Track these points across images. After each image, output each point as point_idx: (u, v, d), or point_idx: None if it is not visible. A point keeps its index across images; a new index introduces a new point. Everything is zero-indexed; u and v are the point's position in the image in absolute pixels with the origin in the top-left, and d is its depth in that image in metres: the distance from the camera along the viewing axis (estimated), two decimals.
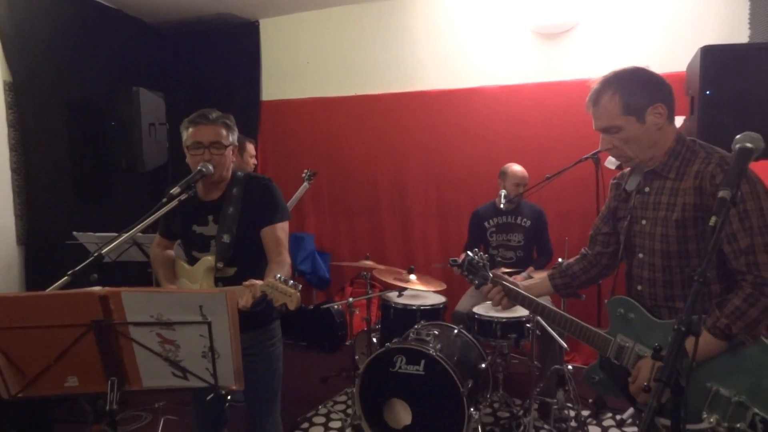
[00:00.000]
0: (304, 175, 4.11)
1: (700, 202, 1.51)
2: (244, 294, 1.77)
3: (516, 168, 3.71)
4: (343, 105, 4.96)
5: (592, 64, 4.07)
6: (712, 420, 1.43)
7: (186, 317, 1.37)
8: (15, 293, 2.98)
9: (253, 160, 3.57)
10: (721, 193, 1.16)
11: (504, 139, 4.37)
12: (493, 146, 4.40)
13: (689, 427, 1.45)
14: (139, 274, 3.58)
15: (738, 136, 1.28)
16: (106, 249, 1.73)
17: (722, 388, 1.44)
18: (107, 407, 1.42)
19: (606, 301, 1.75)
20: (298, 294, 1.70)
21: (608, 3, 4.05)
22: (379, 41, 4.82)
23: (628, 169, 1.80)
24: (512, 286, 1.90)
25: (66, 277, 1.57)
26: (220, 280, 2.12)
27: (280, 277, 1.76)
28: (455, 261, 2.14)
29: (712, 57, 2.95)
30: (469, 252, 2.08)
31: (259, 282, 1.81)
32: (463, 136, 4.53)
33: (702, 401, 1.46)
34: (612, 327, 1.70)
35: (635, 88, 1.58)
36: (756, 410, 1.38)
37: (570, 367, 3.28)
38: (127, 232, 1.83)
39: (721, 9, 3.75)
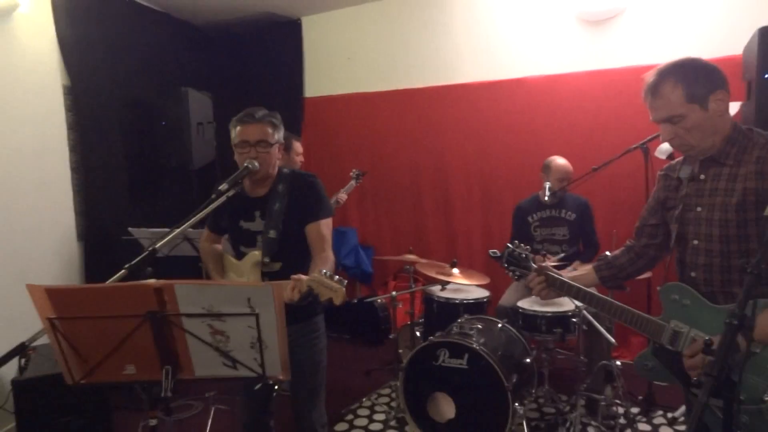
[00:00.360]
0: (352, 174, 4.13)
1: (762, 187, 1.52)
2: (291, 288, 1.82)
3: (560, 162, 3.64)
4: (385, 99, 4.98)
5: (640, 50, 3.94)
6: None
7: (235, 309, 1.42)
8: (78, 285, 3.15)
9: (300, 158, 3.63)
10: None
11: (548, 130, 4.29)
12: (537, 138, 4.32)
13: (750, 407, 1.44)
14: (190, 268, 3.71)
15: None
16: (160, 244, 1.81)
17: None
18: (162, 395, 1.49)
19: (659, 287, 1.74)
20: (344, 289, 1.73)
21: None
22: (419, 34, 4.81)
23: (679, 158, 1.79)
24: (557, 276, 1.89)
25: (123, 271, 1.65)
26: (267, 275, 2.18)
27: (325, 273, 1.79)
28: (495, 253, 2.14)
29: None
30: (509, 244, 2.07)
31: (305, 277, 1.85)
32: (506, 129, 4.47)
33: (766, 384, 1.45)
34: (665, 313, 1.71)
35: (697, 75, 1.58)
36: None
37: (618, 363, 3.20)
38: (178, 228, 1.91)
39: None
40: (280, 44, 5.42)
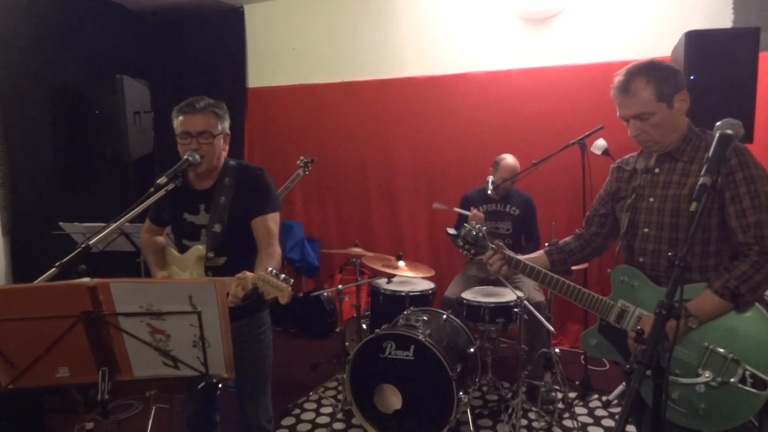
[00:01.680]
0: (299, 162, 4.01)
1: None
2: (236, 286, 1.78)
3: (509, 161, 3.71)
4: (330, 91, 4.94)
5: (578, 49, 4.08)
6: (707, 374, 1.57)
7: (176, 307, 1.38)
8: (6, 285, 2.96)
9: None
10: (701, 180, 1.20)
11: (491, 124, 4.38)
12: (481, 132, 4.41)
13: (686, 380, 1.60)
14: (127, 263, 3.57)
15: (718, 123, 1.34)
16: (94, 240, 1.73)
17: (718, 347, 1.57)
18: (98, 397, 1.43)
19: (609, 270, 1.87)
20: (290, 288, 1.70)
21: None
22: (366, 27, 4.79)
23: (633, 153, 1.92)
24: (513, 255, 1.97)
25: (54, 269, 1.57)
26: (211, 270, 2.13)
27: (272, 271, 1.76)
28: (453, 231, 2.16)
29: (696, 42, 2.98)
30: (466, 224, 2.12)
31: (250, 274, 1.81)
32: (451, 122, 4.53)
33: (699, 359, 1.60)
34: (614, 293, 1.83)
35: (665, 75, 1.70)
36: (747, 366, 1.53)
37: (557, 350, 3.34)
38: (114, 222, 1.83)
39: None
40: (221, 32, 5.26)
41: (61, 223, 3.19)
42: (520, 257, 1.97)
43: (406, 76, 4.67)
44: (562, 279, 1.89)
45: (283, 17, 5.09)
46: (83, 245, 1.67)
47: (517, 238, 3.79)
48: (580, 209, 3.67)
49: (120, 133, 4.14)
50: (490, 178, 3.64)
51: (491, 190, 3.59)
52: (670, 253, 1.14)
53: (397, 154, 4.76)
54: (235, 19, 5.22)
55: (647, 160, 1.84)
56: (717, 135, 1.37)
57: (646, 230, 1.81)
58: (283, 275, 1.71)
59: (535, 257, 2.08)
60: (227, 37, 5.25)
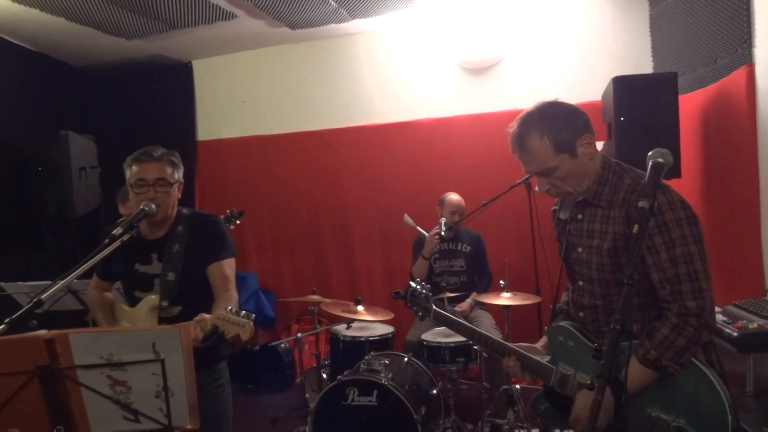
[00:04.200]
0: (223, 216, 3.88)
1: (628, 231, 1.51)
2: (194, 329, 1.75)
3: (453, 197, 3.86)
4: (282, 142, 5.00)
5: (516, 96, 4.33)
6: None
7: (138, 356, 1.34)
8: None
9: None
10: (640, 203, 1.26)
11: (441, 168, 4.54)
12: (431, 176, 4.55)
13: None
14: (74, 322, 3.39)
15: (650, 153, 1.40)
16: (45, 294, 1.67)
17: (662, 414, 1.46)
18: None
19: (546, 328, 1.78)
20: (251, 323, 1.70)
21: (527, 39, 4.36)
22: (315, 79, 4.93)
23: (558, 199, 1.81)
24: (448, 316, 1.96)
25: (3, 326, 1.50)
26: (165, 320, 2.08)
27: (230, 309, 1.75)
28: (398, 293, 2.18)
29: (623, 86, 3.23)
30: (411, 282, 2.12)
31: (208, 316, 1.80)
32: (402, 168, 4.66)
33: (645, 427, 1.48)
34: (553, 355, 1.72)
35: (561, 123, 1.56)
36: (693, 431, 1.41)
37: (518, 387, 3.37)
38: (66, 277, 1.77)
39: (627, 42, 4.12)
40: (169, 87, 5.29)
41: (1, 284, 3.03)
42: (534, 357, 1.76)
43: (356, 124, 4.80)
44: (498, 341, 1.83)
45: (232, 71, 5.18)
46: (35, 300, 1.62)
47: (471, 275, 3.88)
48: (530, 247, 3.81)
49: (64, 190, 4.03)
50: (443, 220, 3.74)
51: (445, 231, 3.68)
52: (625, 276, 1.11)
53: (350, 201, 4.83)
54: (184, 73, 5.27)
55: (569, 208, 1.73)
56: (651, 164, 1.37)
57: (580, 283, 1.70)
58: (244, 311, 1.70)
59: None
60: (175, 91, 5.27)
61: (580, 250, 1.67)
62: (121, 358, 1.34)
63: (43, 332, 1.29)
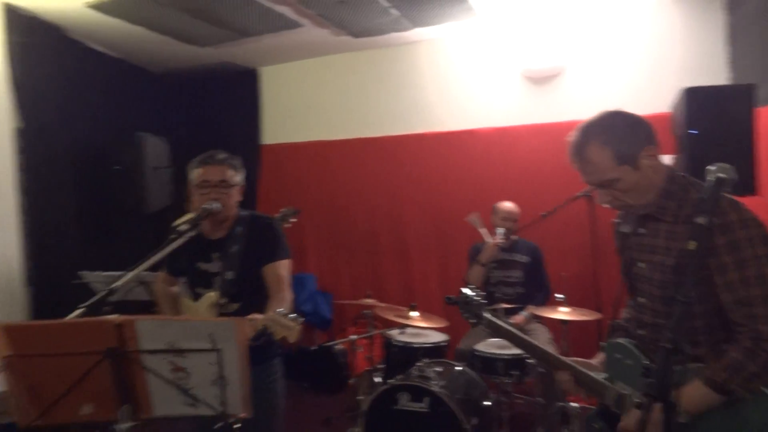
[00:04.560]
0: (278, 215, 3.98)
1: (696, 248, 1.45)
2: (246, 327, 1.82)
3: (505, 204, 3.81)
4: (343, 148, 5.10)
5: (580, 106, 4.22)
6: None
7: (197, 345, 1.42)
8: (37, 321, 2.99)
9: None
10: (698, 219, 1.19)
11: (499, 178, 4.49)
12: (489, 185, 4.50)
13: None
14: (144, 313, 3.59)
15: (711, 167, 1.30)
16: (118, 283, 1.79)
17: None
18: None
19: (603, 343, 1.71)
20: (299, 327, 1.75)
21: (593, 48, 4.24)
22: (377, 86, 5.01)
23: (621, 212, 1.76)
24: (502, 325, 1.91)
25: (81, 310, 1.63)
26: (224, 316, 2.17)
27: (281, 311, 1.81)
28: (451, 299, 2.17)
29: (695, 97, 3.10)
30: (463, 289, 2.08)
31: (260, 316, 1.87)
32: (460, 176, 4.65)
33: None
34: (610, 372, 1.66)
35: (623, 134, 1.51)
36: None
37: (575, 405, 3.27)
38: (135, 269, 1.89)
39: (700, 52, 3.93)
40: (237, 92, 5.53)
41: (81, 272, 3.26)
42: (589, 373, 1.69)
43: (417, 132, 4.83)
44: (554, 355, 1.77)
45: (297, 78, 5.34)
46: (109, 288, 1.74)
47: (528, 287, 3.80)
48: (589, 261, 3.70)
49: (139, 187, 4.29)
50: (501, 230, 3.70)
51: (502, 239, 3.63)
52: (677, 296, 1.09)
53: (408, 207, 4.86)
54: (251, 79, 5.49)
55: (631, 222, 1.67)
56: (713, 179, 1.30)
57: (641, 300, 1.63)
58: (293, 314, 1.76)
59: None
60: (243, 97, 5.50)
61: (641, 265, 1.61)
62: (182, 345, 1.42)
63: (113, 317, 1.40)
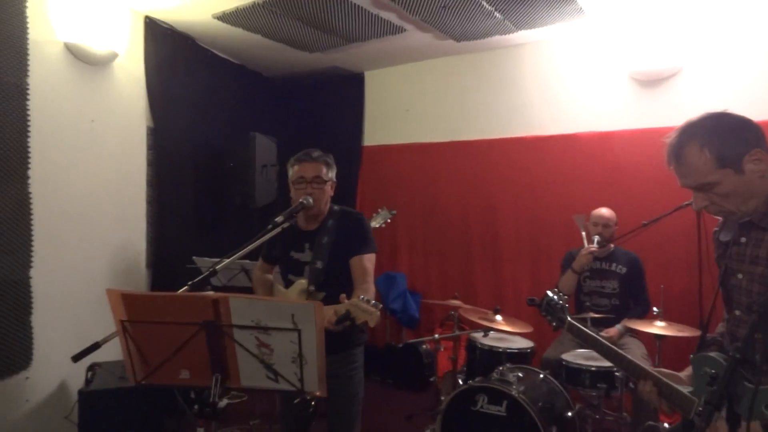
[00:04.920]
0: (374, 214, 4.11)
1: None
2: (331, 312, 1.95)
3: (601, 210, 3.67)
4: (440, 150, 5.17)
5: (693, 109, 3.88)
6: None
7: (280, 323, 1.56)
8: (148, 292, 3.40)
9: None
10: None
11: (599, 185, 4.31)
12: (589, 192, 4.34)
13: None
14: None
15: None
16: (219, 266, 2.01)
17: None
18: (211, 399, 1.63)
19: (691, 356, 1.63)
20: (378, 312, 1.85)
21: (708, 49, 3.95)
22: (477, 89, 5.01)
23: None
24: (582, 329, 1.89)
25: (186, 287, 1.85)
26: None
27: (363, 297, 1.92)
28: (534, 301, 2.16)
29: None
30: (549, 291, 2.09)
31: (345, 301, 1.99)
32: (557, 181, 4.53)
33: None
34: (697, 387, 1.58)
35: (726, 136, 1.45)
36: None
37: (666, 425, 3.09)
38: (237, 253, 2.10)
39: None
40: (343, 95, 5.78)
41: (194, 258, 3.62)
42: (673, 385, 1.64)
43: (514, 136, 4.77)
44: (637, 364, 1.72)
45: (399, 81, 5.49)
46: (210, 269, 1.95)
47: (624, 299, 3.63)
48: (695, 276, 3.46)
49: (249, 183, 4.64)
50: (597, 238, 3.57)
51: (597, 247, 3.51)
52: (753, 301, 1.05)
53: (502, 211, 4.81)
54: (356, 83, 5.72)
55: (732, 230, 1.60)
56: None
57: (737, 312, 1.56)
58: (373, 300, 1.85)
59: None
60: (348, 100, 5.74)
61: (740, 276, 1.54)
62: (267, 323, 1.57)
63: (210, 293, 1.58)
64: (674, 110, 4.05)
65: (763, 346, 1.41)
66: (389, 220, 4.16)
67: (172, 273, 4.24)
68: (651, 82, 4.19)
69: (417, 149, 5.32)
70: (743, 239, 1.55)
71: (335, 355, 2.31)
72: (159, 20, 4.27)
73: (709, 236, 3.31)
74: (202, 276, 1.90)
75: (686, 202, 3.30)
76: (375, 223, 4.10)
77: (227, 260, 2.03)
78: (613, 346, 1.86)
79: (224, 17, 4.16)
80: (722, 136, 1.45)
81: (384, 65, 5.50)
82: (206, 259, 3.61)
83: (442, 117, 5.22)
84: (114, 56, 3.85)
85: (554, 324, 2.03)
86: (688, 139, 1.48)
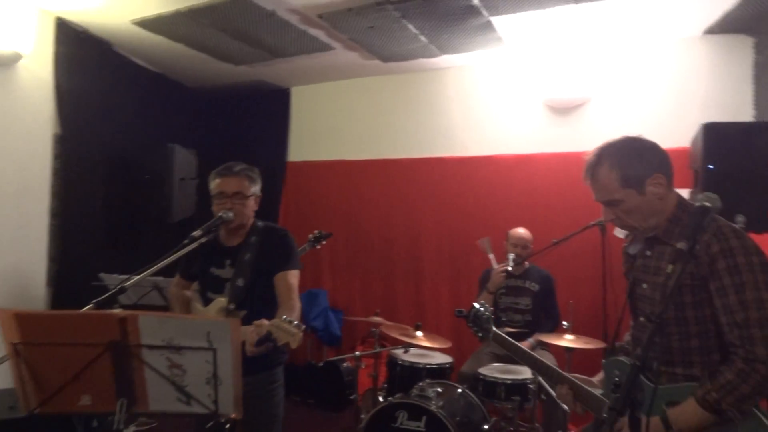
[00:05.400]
0: (310, 236, 4.10)
1: (696, 271, 1.50)
2: (252, 332, 1.89)
3: (518, 230, 3.84)
4: (365, 168, 5.21)
5: (602, 136, 4.17)
6: None
7: (194, 342, 1.49)
8: (47, 311, 3.13)
9: None
10: (678, 245, 1.26)
11: (517, 205, 4.51)
12: (507, 211, 4.52)
13: None
14: None
15: (698, 196, 1.40)
16: (128, 283, 1.89)
17: None
18: (115, 427, 1.53)
19: (603, 361, 1.76)
20: (301, 333, 1.81)
21: (617, 80, 4.27)
22: (403, 110, 5.12)
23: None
24: (508, 340, 1.99)
25: (90, 305, 1.73)
26: None
27: (285, 318, 1.88)
28: (461, 312, 2.27)
29: (713, 133, 3.10)
30: (475, 303, 2.20)
31: (267, 322, 1.94)
32: (479, 201, 4.69)
33: None
34: (608, 389, 1.69)
35: (632, 160, 1.59)
36: None
37: None
38: (148, 269, 1.99)
39: (727, 89, 3.92)
40: (268, 110, 5.71)
41: (100, 275, 3.41)
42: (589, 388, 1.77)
43: (437, 156, 4.90)
44: (552, 367, 1.88)
45: (326, 98, 5.50)
46: (118, 287, 1.84)
47: (536, 314, 3.80)
48: (599, 291, 3.68)
49: (165, 197, 4.45)
50: (511, 256, 3.72)
51: (512, 266, 3.65)
52: (646, 313, 1.17)
53: (424, 229, 4.91)
54: (282, 98, 5.67)
55: (640, 244, 1.74)
56: (696, 206, 1.39)
57: (641, 319, 1.70)
58: (296, 321, 1.82)
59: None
60: (273, 115, 5.68)
61: (645, 286, 1.68)
62: (180, 342, 1.50)
63: (117, 311, 1.48)
64: (584, 137, 4.32)
65: (661, 351, 1.58)
66: (323, 242, 4.14)
67: (76, 291, 3.96)
68: (563, 110, 4.47)
69: (342, 166, 5.33)
70: (648, 252, 1.69)
71: (255, 375, 2.25)
72: (72, 22, 4.04)
73: (612, 254, 3.55)
74: (108, 294, 1.78)
75: (592, 222, 3.54)
76: (309, 246, 4.07)
77: (137, 277, 1.92)
78: (533, 354, 1.99)
79: (144, 24, 4.00)
80: (629, 159, 1.60)
81: (311, 81, 5.49)
82: (115, 276, 3.41)
83: (368, 135, 5.28)
84: (18, 57, 3.59)
85: (480, 334, 2.15)
86: (601, 159, 1.64)
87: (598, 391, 1.74)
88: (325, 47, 4.41)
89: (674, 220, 1.61)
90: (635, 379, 1.07)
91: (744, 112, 3.82)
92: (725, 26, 3.78)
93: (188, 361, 1.52)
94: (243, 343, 1.88)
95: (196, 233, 2.16)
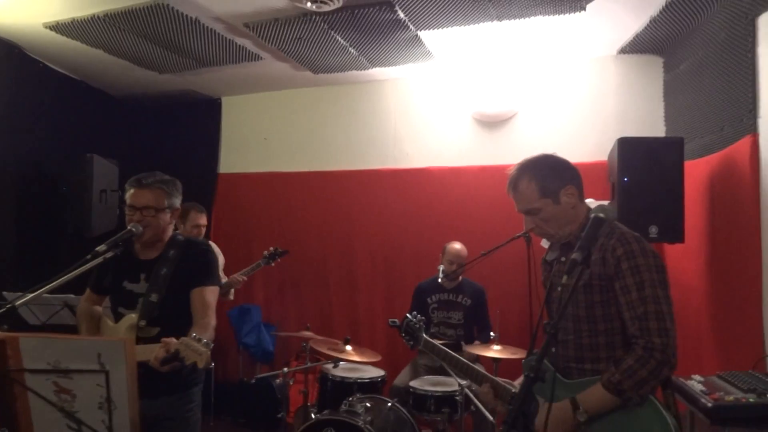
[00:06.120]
0: (266, 252, 4.10)
1: (603, 272, 1.68)
2: (159, 351, 1.79)
3: (454, 246, 3.87)
4: (297, 180, 5.14)
5: (527, 150, 4.27)
6: None
7: (84, 365, 1.39)
8: None
9: (198, 230, 3.65)
10: (573, 255, 1.32)
11: (449, 216, 4.56)
12: (439, 223, 4.57)
13: None
14: None
15: (594, 207, 1.48)
16: (20, 301, 1.76)
17: None
18: None
19: (523, 361, 1.89)
20: (208, 353, 1.73)
21: (541, 96, 4.43)
22: (334, 122, 5.10)
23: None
24: (436, 345, 2.10)
25: None
26: (142, 340, 2.12)
27: (195, 336, 1.79)
28: (395, 323, 2.40)
29: (627, 148, 3.23)
30: (408, 314, 2.33)
31: (175, 340, 1.84)
32: (411, 213, 4.71)
33: None
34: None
35: (548, 173, 1.79)
36: None
37: None
38: (44, 286, 1.86)
39: (641, 106, 4.15)
40: (198, 120, 5.55)
41: (4, 293, 3.16)
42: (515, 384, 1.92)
43: (369, 168, 4.91)
44: (475, 368, 2.00)
45: (258, 109, 5.41)
46: (7, 306, 1.70)
47: (469, 328, 3.83)
48: (525, 300, 3.75)
49: (84, 210, 4.22)
50: (441, 267, 3.74)
51: (441, 279, 3.67)
52: (545, 321, 1.21)
53: (358, 242, 4.88)
54: (212, 109, 5.52)
55: (556, 251, 1.91)
56: (591, 217, 1.51)
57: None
58: (205, 340, 1.74)
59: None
60: (203, 125, 5.52)
61: (559, 289, 1.82)
62: (68, 365, 1.39)
63: None
64: (510, 150, 4.44)
65: (572, 348, 1.73)
66: (278, 260, 4.11)
67: None
68: (491, 124, 4.58)
69: (275, 178, 5.24)
70: (563, 258, 1.86)
71: (170, 396, 2.14)
72: None
73: (538, 265, 3.64)
74: None
75: (518, 234, 3.61)
76: (263, 262, 4.10)
77: (31, 294, 1.78)
78: (461, 358, 2.13)
79: (58, 28, 3.79)
80: (546, 172, 1.80)
81: (242, 92, 5.39)
82: (18, 293, 3.16)
83: (301, 147, 5.22)
84: None
85: (411, 343, 2.30)
86: (522, 173, 1.82)
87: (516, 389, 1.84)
88: (253, 57, 4.33)
89: (583, 229, 1.70)
90: (528, 391, 1.08)
91: (656, 128, 4.04)
92: (636, 47, 4.00)
93: (78, 386, 1.41)
94: (148, 361, 1.78)
95: (101, 248, 2.03)
